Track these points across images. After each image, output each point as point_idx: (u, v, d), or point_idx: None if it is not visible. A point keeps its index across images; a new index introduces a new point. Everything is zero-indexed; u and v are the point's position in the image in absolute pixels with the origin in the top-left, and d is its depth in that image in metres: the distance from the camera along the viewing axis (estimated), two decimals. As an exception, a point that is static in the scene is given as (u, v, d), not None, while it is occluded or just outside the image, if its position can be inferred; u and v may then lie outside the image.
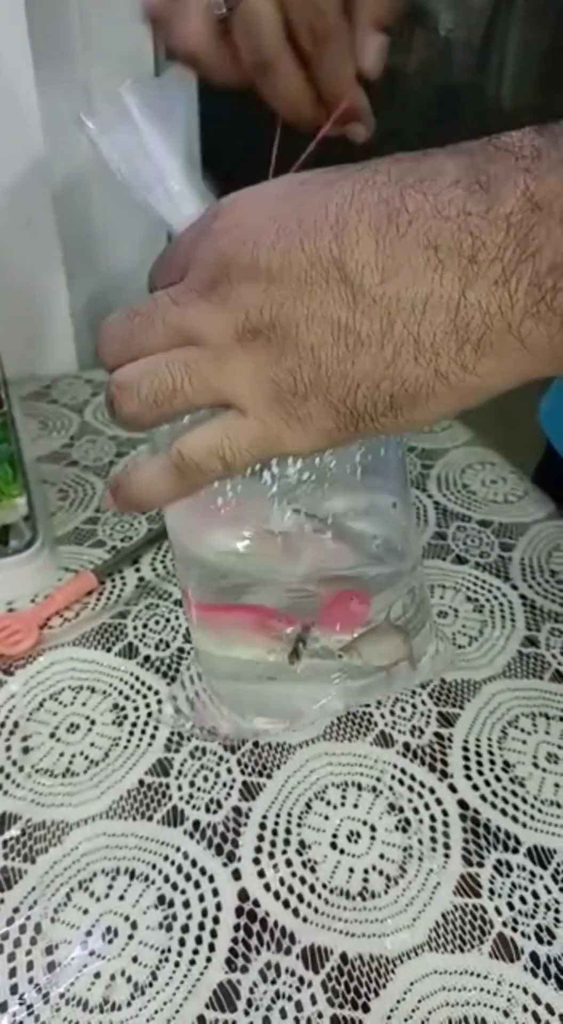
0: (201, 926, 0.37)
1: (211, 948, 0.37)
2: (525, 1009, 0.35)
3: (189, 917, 0.38)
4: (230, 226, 0.29)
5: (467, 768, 0.45)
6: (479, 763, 0.45)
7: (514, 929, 0.37)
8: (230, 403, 0.30)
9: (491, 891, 0.39)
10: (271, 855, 0.40)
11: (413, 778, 0.44)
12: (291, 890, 0.39)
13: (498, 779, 0.44)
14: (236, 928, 0.37)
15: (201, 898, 0.38)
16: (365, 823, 0.42)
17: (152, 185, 0.34)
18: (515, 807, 0.43)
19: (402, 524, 0.45)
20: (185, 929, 0.37)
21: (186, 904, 0.38)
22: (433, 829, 0.41)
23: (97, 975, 0.35)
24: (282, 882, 0.39)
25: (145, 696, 0.49)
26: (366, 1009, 0.35)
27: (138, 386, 0.30)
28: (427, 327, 0.26)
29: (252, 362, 0.29)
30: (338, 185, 0.28)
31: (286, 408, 0.29)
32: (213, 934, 0.37)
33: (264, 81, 0.42)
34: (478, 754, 0.45)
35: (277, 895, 0.38)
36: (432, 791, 0.43)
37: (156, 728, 0.46)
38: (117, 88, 0.81)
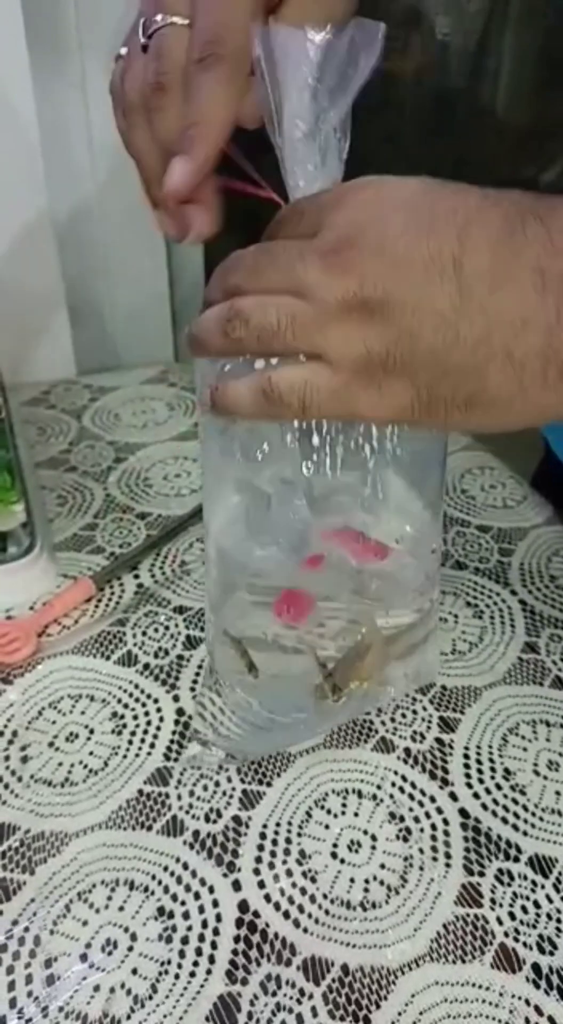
0: (201, 938, 0.37)
1: (211, 960, 0.36)
2: (527, 1021, 0.34)
3: (189, 928, 0.37)
4: (368, 202, 0.31)
5: (468, 776, 0.44)
6: (480, 770, 0.45)
7: (516, 939, 0.37)
8: (323, 357, 0.32)
9: (492, 901, 0.39)
10: (271, 865, 0.40)
11: (414, 786, 0.44)
12: (291, 901, 0.39)
13: (499, 787, 0.44)
14: (236, 939, 0.37)
15: (201, 909, 0.38)
16: (366, 832, 0.42)
17: (297, 129, 0.35)
18: (516, 815, 0.42)
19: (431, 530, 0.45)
20: (185, 941, 0.37)
21: (186, 915, 0.38)
22: (434, 838, 0.41)
23: (96, 988, 0.35)
24: (282, 892, 0.39)
25: (144, 704, 0.48)
26: (367, 1021, 0.34)
27: (249, 317, 0.32)
28: (522, 344, 0.29)
29: (353, 329, 0.31)
30: (469, 195, 0.30)
31: (372, 376, 0.31)
32: (213, 946, 0.37)
33: (156, 104, 0.38)
34: (479, 761, 0.45)
35: (277, 906, 0.38)
36: (433, 799, 0.43)
37: (155, 737, 0.46)
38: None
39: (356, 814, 0.42)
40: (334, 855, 0.40)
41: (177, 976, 0.36)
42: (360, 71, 0.35)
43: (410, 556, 0.45)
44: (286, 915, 0.38)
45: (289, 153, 0.35)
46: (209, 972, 0.36)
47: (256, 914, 0.38)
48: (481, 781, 0.44)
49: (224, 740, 0.45)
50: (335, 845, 0.41)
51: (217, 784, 0.44)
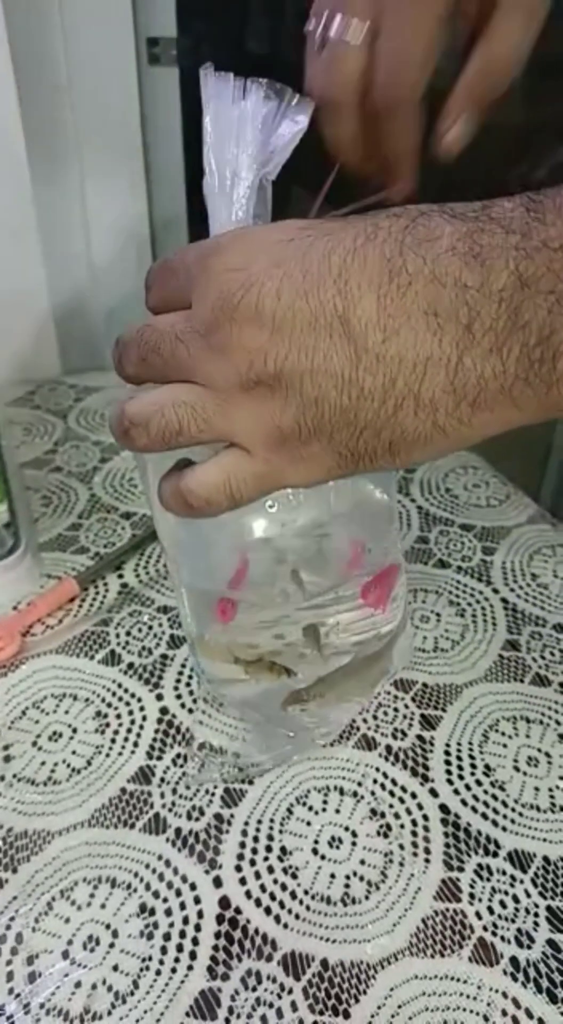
0: (182, 934, 0.37)
1: (192, 956, 0.37)
2: (504, 1013, 0.35)
3: (171, 925, 0.38)
4: (233, 267, 0.29)
5: (449, 772, 0.45)
6: (460, 767, 0.45)
7: (494, 933, 0.38)
8: (234, 442, 0.31)
9: (471, 896, 0.39)
10: (253, 862, 0.40)
11: (394, 782, 0.44)
12: (273, 897, 0.39)
13: (479, 783, 0.44)
14: (217, 935, 0.37)
15: (182, 906, 0.38)
16: (347, 828, 0.42)
17: (221, 172, 0.35)
18: (495, 811, 0.43)
19: (387, 525, 0.45)
20: (167, 937, 0.37)
21: (168, 912, 0.38)
22: (414, 834, 0.42)
23: (78, 984, 0.35)
24: (263, 889, 0.39)
25: (128, 704, 0.49)
26: (347, 1015, 0.35)
27: (147, 424, 0.31)
28: (427, 385, 0.28)
29: (256, 409, 0.30)
30: (341, 235, 0.29)
31: (290, 450, 0.30)
32: (194, 942, 0.37)
33: (325, 117, 0.42)
34: (459, 758, 0.46)
35: (258, 902, 0.39)
36: (414, 796, 0.43)
37: (139, 736, 0.46)
38: (100, 90, 0.81)
39: (337, 811, 0.43)
40: (315, 851, 0.41)
41: (159, 972, 0.36)
42: (281, 139, 0.35)
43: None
44: (267, 911, 0.38)
45: (209, 196, 0.35)
46: (190, 968, 0.36)
47: (237, 910, 0.38)
48: (461, 777, 0.45)
49: (240, 753, 0.45)
50: (316, 841, 0.41)
51: (200, 783, 0.44)
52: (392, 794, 0.44)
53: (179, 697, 0.49)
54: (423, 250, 0.27)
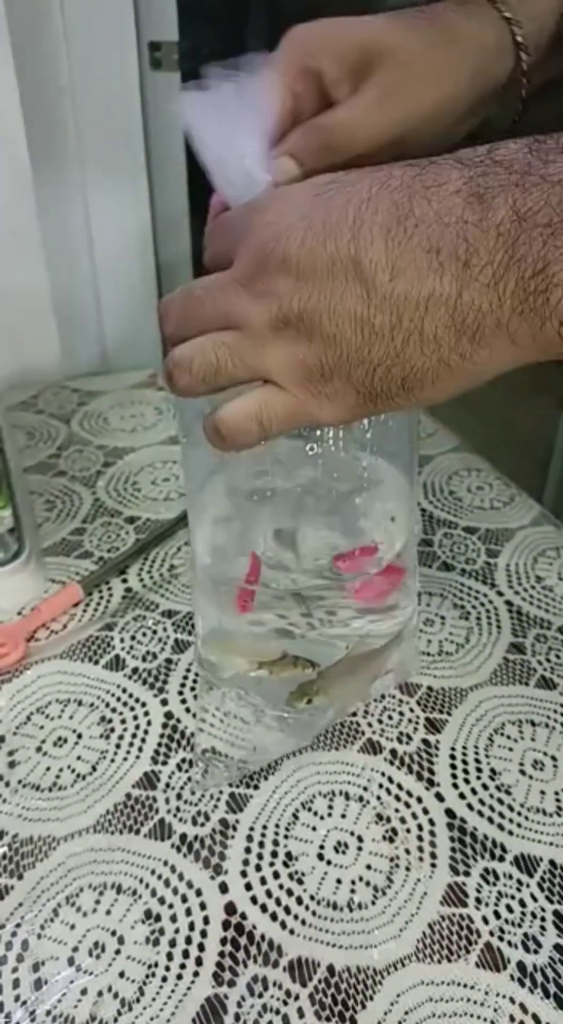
0: (188, 940, 0.37)
1: (198, 962, 0.36)
2: (512, 1019, 0.35)
3: (176, 931, 0.38)
4: (268, 222, 0.32)
5: (454, 776, 0.45)
6: (466, 771, 0.45)
7: (500, 938, 0.37)
8: (267, 379, 0.33)
9: (478, 900, 0.39)
10: (258, 867, 0.40)
11: (400, 787, 0.44)
12: (278, 902, 0.39)
13: (485, 787, 0.44)
14: (223, 942, 0.37)
15: (188, 912, 0.38)
16: (352, 833, 0.42)
17: (232, 164, 0.36)
18: (501, 815, 0.43)
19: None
20: (172, 943, 0.37)
21: (173, 918, 0.38)
22: (420, 839, 0.42)
23: (84, 991, 0.35)
24: (269, 894, 0.39)
25: (133, 708, 0.48)
26: (353, 1022, 0.35)
27: (190, 364, 0.34)
28: (430, 321, 0.29)
29: (284, 347, 0.32)
30: (358, 186, 0.31)
31: (315, 385, 0.32)
32: (200, 948, 0.37)
33: None
34: (465, 762, 0.45)
35: (264, 908, 0.39)
36: (419, 800, 0.43)
37: (144, 741, 0.46)
38: (102, 95, 0.81)
39: (343, 816, 0.43)
40: (321, 857, 0.41)
41: (164, 979, 0.36)
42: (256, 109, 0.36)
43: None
44: (273, 917, 0.38)
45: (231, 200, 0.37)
46: (196, 974, 0.36)
47: (243, 916, 0.38)
48: (467, 781, 0.44)
49: (237, 749, 0.45)
50: (322, 847, 0.41)
51: (197, 781, 0.44)
52: (398, 799, 0.43)
53: (184, 701, 0.49)
54: (430, 194, 0.29)
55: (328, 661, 0.44)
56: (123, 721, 0.48)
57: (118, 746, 0.46)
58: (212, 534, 0.45)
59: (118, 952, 0.37)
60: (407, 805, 0.43)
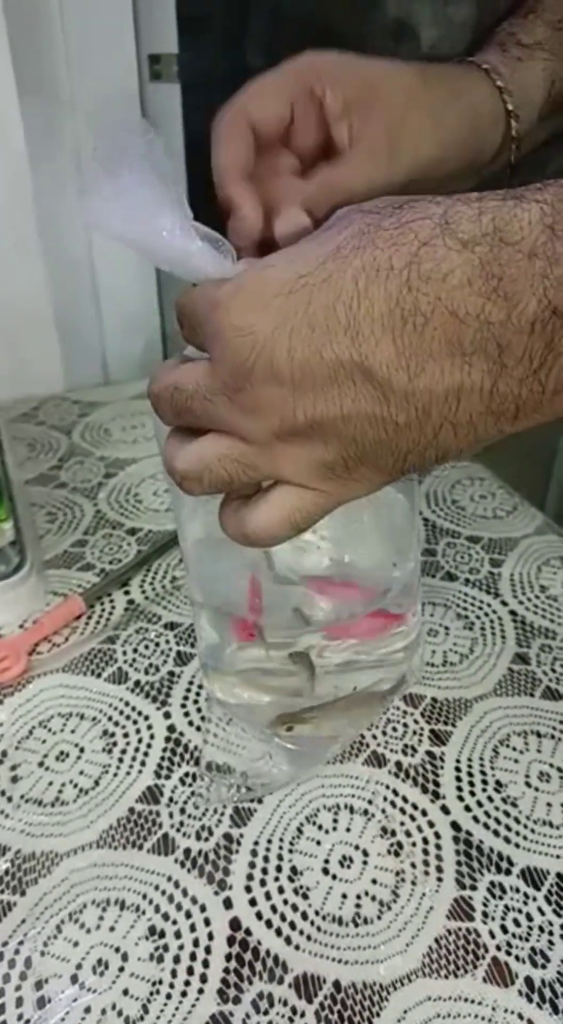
0: (193, 957, 0.37)
1: (203, 979, 0.36)
2: (520, 1035, 0.34)
3: (180, 948, 0.37)
4: (240, 330, 0.29)
5: (459, 788, 0.44)
6: (471, 783, 0.45)
7: (508, 953, 0.37)
8: (285, 482, 0.31)
9: (484, 914, 0.39)
10: (263, 882, 0.40)
11: (405, 800, 0.44)
12: (283, 918, 0.38)
13: (490, 799, 0.44)
14: (228, 958, 0.37)
15: (192, 928, 0.38)
16: (357, 847, 0.41)
17: (156, 237, 0.33)
18: (508, 828, 0.42)
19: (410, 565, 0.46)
20: (176, 960, 0.37)
21: (177, 934, 0.38)
22: (426, 852, 0.41)
23: (87, 1010, 0.35)
24: (274, 910, 0.39)
25: (136, 722, 0.48)
26: (360, 1039, 0.34)
27: (200, 478, 0.32)
28: (463, 412, 0.27)
29: (298, 452, 0.30)
30: (340, 279, 0.27)
31: (339, 477, 0.31)
32: (205, 964, 0.37)
33: None
34: (470, 774, 0.45)
35: (269, 923, 0.38)
36: (424, 813, 0.43)
37: (146, 755, 0.46)
38: (100, 103, 0.81)
39: (348, 829, 0.42)
40: (325, 871, 0.40)
41: (169, 996, 0.36)
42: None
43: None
44: (278, 932, 0.38)
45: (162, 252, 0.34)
46: (201, 991, 0.36)
47: (248, 932, 0.38)
48: (473, 794, 0.44)
49: (243, 765, 0.45)
50: (326, 861, 0.41)
51: (207, 799, 0.43)
52: (403, 812, 0.43)
53: (187, 715, 0.49)
54: (433, 288, 0.26)
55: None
56: (126, 735, 0.47)
57: (121, 760, 0.46)
58: (201, 562, 0.45)
59: (122, 969, 0.37)
60: (412, 818, 0.43)
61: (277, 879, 0.40)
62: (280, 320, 0.28)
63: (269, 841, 0.42)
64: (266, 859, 0.41)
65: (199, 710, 0.49)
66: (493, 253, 0.25)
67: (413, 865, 0.41)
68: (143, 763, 0.46)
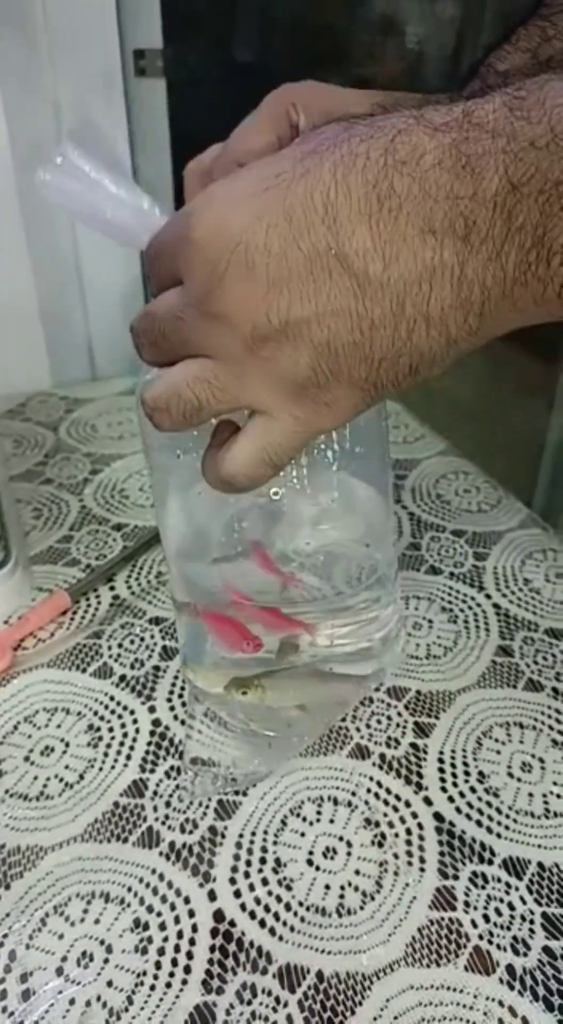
0: (177, 948, 0.37)
1: (187, 970, 0.36)
2: (501, 1022, 0.35)
3: (165, 939, 0.37)
4: (213, 231, 0.28)
5: (442, 780, 0.45)
6: (454, 774, 0.45)
7: (490, 942, 0.37)
8: (255, 409, 0.31)
9: (466, 904, 0.39)
10: (247, 874, 0.40)
11: (388, 791, 0.44)
12: (267, 909, 0.39)
13: (473, 790, 0.44)
14: (212, 949, 0.37)
15: (177, 920, 0.38)
16: (341, 839, 0.42)
17: (114, 212, 0.34)
18: (490, 818, 0.43)
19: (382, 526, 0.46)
20: (161, 952, 0.37)
21: (162, 927, 0.38)
22: (409, 843, 0.42)
23: (72, 1002, 0.35)
24: (258, 901, 0.39)
25: (121, 716, 0.48)
26: (342, 1027, 0.35)
27: (168, 407, 0.31)
28: (435, 302, 0.27)
29: (268, 368, 0.29)
30: (317, 171, 0.27)
31: (312, 399, 0.30)
32: (189, 956, 0.37)
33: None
34: (453, 765, 0.45)
35: (253, 914, 0.38)
36: (408, 804, 0.43)
37: (132, 749, 0.46)
38: (86, 103, 0.81)
39: (332, 821, 0.43)
40: (309, 862, 0.41)
41: (153, 987, 0.36)
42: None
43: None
44: (262, 923, 0.38)
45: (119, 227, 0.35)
46: (185, 982, 0.36)
47: (232, 923, 0.38)
48: (455, 785, 0.44)
49: (225, 758, 0.45)
50: (311, 852, 0.41)
51: (192, 793, 0.44)
52: (386, 803, 0.43)
53: (172, 709, 0.49)
54: (409, 169, 0.26)
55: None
56: (111, 729, 0.47)
57: (106, 754, 0.46)
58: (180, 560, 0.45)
59: (106, 961, 0.37)
60: (395, 809, 0.43)
61: (261, 871, 0.40)
62: (255, 215, 0.28)
63: (253, 833, 0.42)
64: (250, 851, 0.41)
65: (184, 704, 0.49)
66: (462, 134, 0.26)
67: (396, 856, 0.41)
68: (128, 757, 0.46)
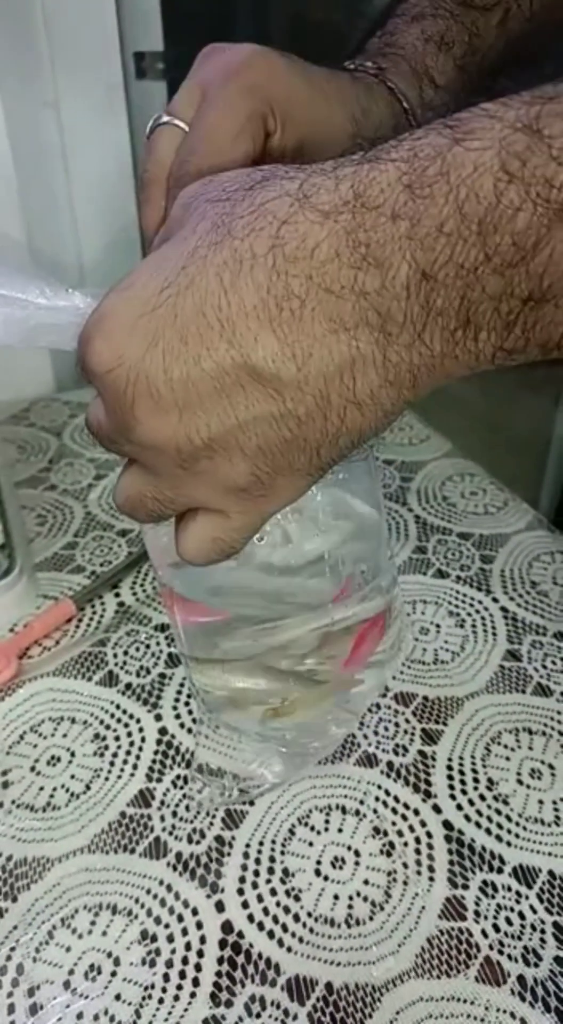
0: (185, 960, 0.37)
1: (195, 983, 0.36)
2: (512, 1034, 0.34)
3: (173, 952, 0.37)
4: (111, 363, 0.27)
5: (451, 787, 0.44)
6: (463, 781, 0.45)
7: (500, 952, 0.37)
8: (204, 507, 0.30)
9: (476, 913, 0.39)
10: (255, 885, 0.40)
11: (397, 799, 0.44)
12: (275, 920, 0.38)
13: (482, 798, 0.44)
14: (220, 961, 0.37)
15: (184, 932, 0.38)
16: (349, 848, 0.41)
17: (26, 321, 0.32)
18: (499, 826, 0.42)
19: (377, 546, 0.45)
20: (169, 964, 0.37)
21: (170, 938, 0.38)
22: (418, 852, 0.41)
23: (80, 1016, 0.35)
24: (266, 912, 0.39)
25: (127, 725, 0.48)
26: (352, 1040, 0.34)
27: (133, 513, 0.31)
28: (362, 388, 0.26)
29: (206, 480, 0.28)
30: (203, 281, 0.26)
31: (257, 495, 0.29)
32: (197, 968, 0.37)
33: (139, 198, 0.40)
34: (462, 772, 0.45)
35: (261, 926, 0.38)
36: (416, 812, 0.43)
37: (138, 758, 0.46)
38: (87, 105, 0.81)
39: (340, 830, 0.42)
40: (318, 872, 0.40)
41: (161, 1000, 0.36)
42: None
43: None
44: (270, 935, 0.38)
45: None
46: (193, 995, 0.36)
47: (240, 935, 0.38)
48: (464, 792, 0.44)
49: (236, 768, 0.45)
50: (319, 862, 0.41)
51: (200, 804, 0.43)
52: (395, 811, 0.43)
53: (178, 717, 0.48)
54: (302, 267, 0.25)
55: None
56: (117, 738, 0.47)
57: (112, 764, 0.46)
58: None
59: (114, 974, 0.36)
60: (404, 818, 0.43)
61: (269, 881, 0.40)
62: (148, 341, 0.26)
63: (261, 843, 0.42)
64: (258, 861, 0.41)
65: (190, 712, 0.49)
66: (357, 220, 0.24)
67: (405, 865, 0.41)
68: (135, 766, 0.46)
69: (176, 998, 0.36)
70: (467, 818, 0.43)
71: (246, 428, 0.27)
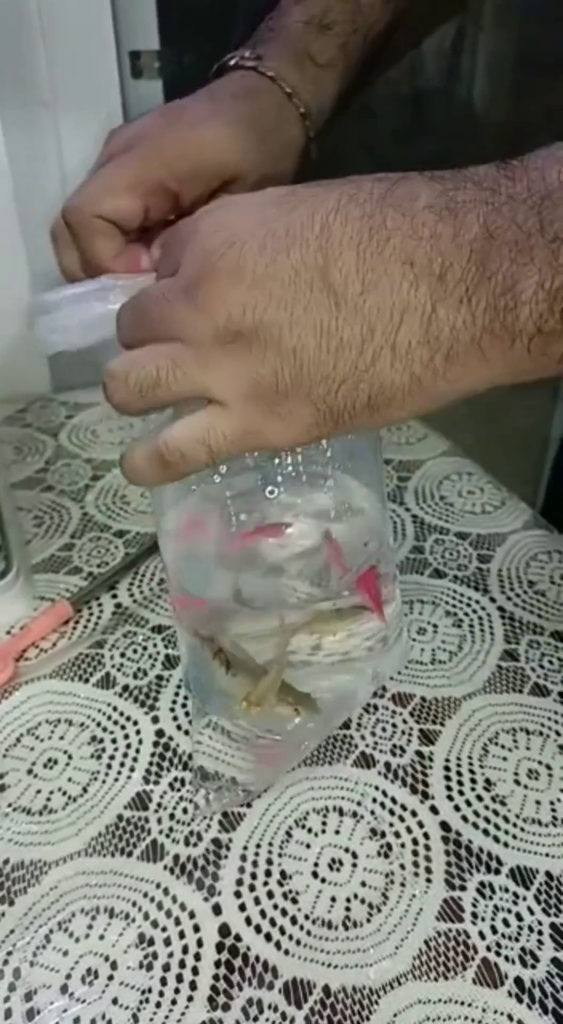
0: (182, 964, 0.37)
1: (192, 986, 0.36)
2: (510, 1036, 0.34)
3: (170, 955, 0.37)
4: (218, 228, 0.31)
5: (449, 788, 0.44)
6: (460, 782, 0.45)
7: (497, 953, 0.37)
8: (211, 398, 0.31)
9: (474, 915, 0.39)
10: (252, 887, 0.40)
11: (394, 800, 0.44)
12: (273, 923, 0.38)
13: (480, 798, 0.44)
14: (217, 964, 0.37)
15: (182, 935, 0.38)
16: (346, 850, 0.41)
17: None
18: (497, 827, 0.42)
19: (381, 528, 0.45)
20: (166, 968, 0.37)
21: (167, 942, 0.38)
22: (415, 853, 0.41)
23: (77, 1020, 0.35)
24: (264, 915, 0.39)
25: (124, 727, 0.48)
26: (350, 1043, 0.34)
27: (126, 376, 0.32)
28: (403, 335, 0.28)
29: (233, 363, 0.30)
30: (324, 197, 0.30)
31: (267, 404, 0.30)
32: (194, 971, 0.37)
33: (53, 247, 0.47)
34: (459, 773, 0.45)
35: (258, 928, 0.38)
36: (414, 814, 0.43)
37: (135, 760, 0.46)
38: (83, 105, 0.81)
39: (337, 832, 0.42)
40: (315, 874, 0.40)
41: (159, 1004, 0.36)
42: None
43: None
44: (268, 937, 0.38)
45: None
46: (190, 999, 0.36)
47: (237, 938, 0.38)
48: (462, 793, 0.44)
49: (235, 772, 0.45)
50: (316, 864, 0.41)
51: (197, 807, 0.43)
52: (392, 812, 0.43)
53: (175, 719, 0.48)
54: (402, 208, 0.28)
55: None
56: (114, 741, 0.47)
57: (109, 766, 0.46)
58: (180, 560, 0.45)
59: (111, 978, 0.36)
60: (401, 819, 0.43)
61: (266, 884, 0.40)
62: (259, 221, 0.30)
63: (258, 845, 0.42)
64: (255, 864, 0.41)
65: (187, 714, 0.49)
66: (454, 183, 0.28)
67: (402, 866, 0.41)
68: (132, 769, 0.46)
69: (173, 1002, 0.36)
70: (464, 819, 0.43)
71: (294, 327, 0.29)
